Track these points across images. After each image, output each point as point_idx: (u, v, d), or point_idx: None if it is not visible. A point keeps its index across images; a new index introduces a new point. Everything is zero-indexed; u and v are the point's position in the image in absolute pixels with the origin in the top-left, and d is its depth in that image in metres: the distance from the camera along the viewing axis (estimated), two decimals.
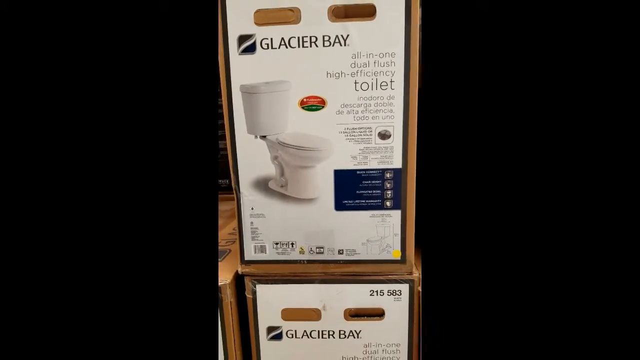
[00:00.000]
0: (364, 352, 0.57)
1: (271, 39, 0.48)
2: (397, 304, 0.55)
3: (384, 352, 0.57)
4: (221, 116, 0.50)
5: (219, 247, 0.65)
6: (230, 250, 0.63)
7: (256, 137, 0.52)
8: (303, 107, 0.49)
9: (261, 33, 0.48)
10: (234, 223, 0.78)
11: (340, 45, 0.47)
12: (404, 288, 0.54)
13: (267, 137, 0.52)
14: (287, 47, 0.48)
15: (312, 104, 0.49)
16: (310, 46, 0.48)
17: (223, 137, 0.52)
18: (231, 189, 0.53)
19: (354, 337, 0.56)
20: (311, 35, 0.47)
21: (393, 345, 0.56)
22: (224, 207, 0.85)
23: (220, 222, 0.79)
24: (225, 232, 0.73)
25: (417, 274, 0.54)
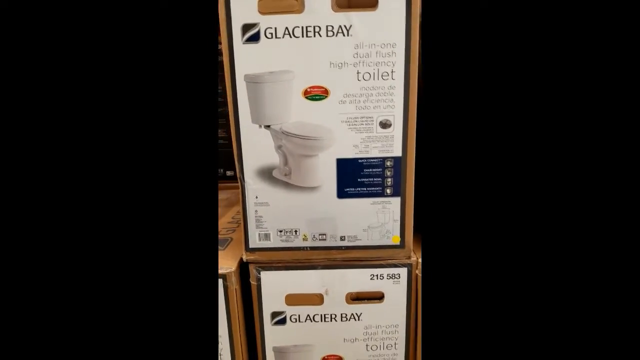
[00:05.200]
0: (365, 334, 0.59)
1: (275, 28, 0.48)
2: (396, 286, 0.57)
3: (383, 332, 0.59)
4: (222, 105, 0.49)
5: (221, 236, 0.65)
6: (232, 239, 0.64)
7: (260, 126, 0.52)
8: (307, 97, 0.50)
9: (265, 22, 0.48)
10: (232, 211, 0.79)
11: (344, 35, 0.48)
12: (403, 272, 0.56)
13: (271, 126, 0.53)
14: (291, 37, 0.48)
15: (316, 94, 0.50)
16: (314, 36, 0.48)
17: (223, 127, 0.52)
18: (226, 177, 0.54)
19: (355, 320, 0.59)
20: (315, 25, 0.48)
21: (392, 326, 0.59)
22: (220, 196, 0.85)
23: (219, 211, 0.79)
24: (224, 220, 0.74)
25: (415, 258, 0.57)
